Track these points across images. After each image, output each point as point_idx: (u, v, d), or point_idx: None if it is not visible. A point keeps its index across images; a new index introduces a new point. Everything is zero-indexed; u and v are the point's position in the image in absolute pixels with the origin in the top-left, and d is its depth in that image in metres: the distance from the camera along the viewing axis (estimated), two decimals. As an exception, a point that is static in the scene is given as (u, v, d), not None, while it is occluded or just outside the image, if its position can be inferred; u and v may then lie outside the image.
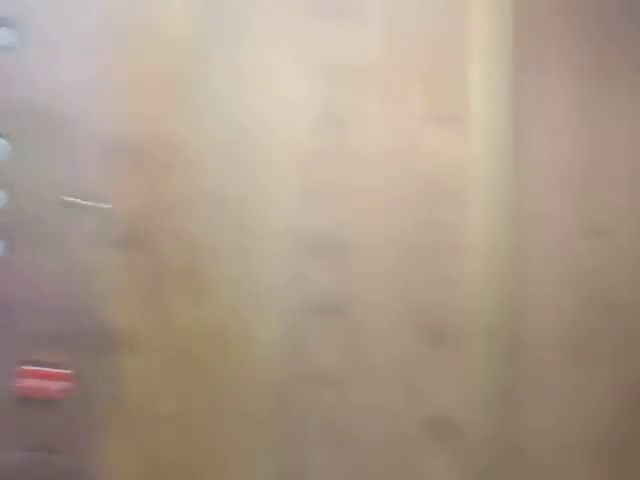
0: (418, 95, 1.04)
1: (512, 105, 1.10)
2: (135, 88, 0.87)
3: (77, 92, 0.87)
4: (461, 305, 1.04)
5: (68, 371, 0.84)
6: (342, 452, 0.96)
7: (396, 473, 1.00)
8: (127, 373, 0.83)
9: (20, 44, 0.86)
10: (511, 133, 1.09)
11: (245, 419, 0.90)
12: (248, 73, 0.93)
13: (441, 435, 1.00)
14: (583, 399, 1.10)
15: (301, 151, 0.96)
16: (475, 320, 1.04)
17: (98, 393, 0.84)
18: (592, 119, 1.19)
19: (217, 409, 0.90)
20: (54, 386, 0.83)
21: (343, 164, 0.98)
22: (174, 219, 0.87)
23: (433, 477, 1.00)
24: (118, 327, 0.84)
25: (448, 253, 1.03)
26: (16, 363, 0.83)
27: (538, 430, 1.06)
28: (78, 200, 0.85)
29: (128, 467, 0.85)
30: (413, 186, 1.03)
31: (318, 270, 0.95)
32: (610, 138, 1.16)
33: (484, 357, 1.05)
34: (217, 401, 0.89)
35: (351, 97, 0.99)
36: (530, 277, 1.08)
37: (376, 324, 0.98)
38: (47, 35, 0.87)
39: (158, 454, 0.86)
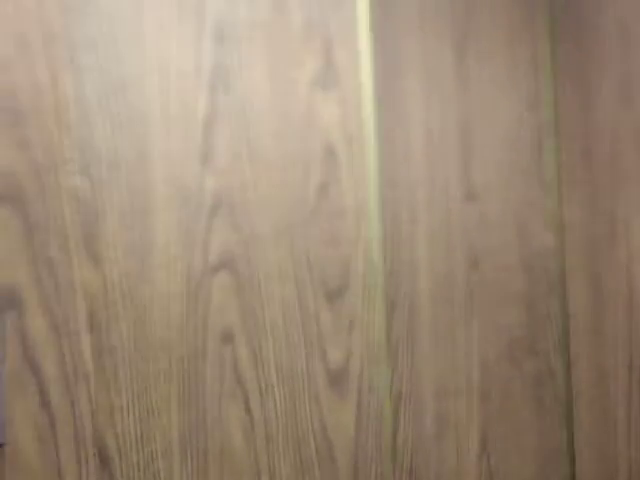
0: (305, 57, 1.04)
1: (383, 74, 1.15)
2: (4, 35, 0.84)
3: None
4: (350, 263, 1.08)
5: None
6: (247, 406, 0.97)
7: (296, 423, 1.04)
8: (16, 334, 0.82)
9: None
10: (383, 102, 1.13)
11: (147, 377, 0.89)
12: (129, 28, 0.90)
13: (336, 386, 1.05)
14: (464, 349, 1.21)
15: (190, 111, 0.94)
16: (364, 277, 1.09)
17: None
18: (464, 90, 1.28)
19: (124, 367, 0.89)
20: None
21: (233, 125, 0.97)
22: (57, 177, 0.85)
23: (332, 427, 1.05)
24: (4, 287, 0.81)
25: (336, 214, 1.06)
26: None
27: (424, 377, 1.15)
28: None
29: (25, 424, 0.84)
30: (301, 148, 1.03)
31: (212, 230, 0.95)
32: (483, 106, 1.25)
33: (374, 311, 1.10)
34: (124, 359, 0.88)
35: (238, 56, 0.98)
36: (413, 237, 1.16)
37: (270, 282, 1.00)
38: None
39: (54, 413, 0.85)
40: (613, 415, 1.27)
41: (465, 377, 1.21)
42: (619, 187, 1.26)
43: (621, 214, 1.25)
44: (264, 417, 0.99)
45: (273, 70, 1.03)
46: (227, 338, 0.97)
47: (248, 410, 0.98)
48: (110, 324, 0.88)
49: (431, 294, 1.18)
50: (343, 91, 1.09)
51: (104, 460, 0.87)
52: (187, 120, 0.95)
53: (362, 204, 1.11)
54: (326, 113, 1.08)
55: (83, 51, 0.88)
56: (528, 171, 1.32)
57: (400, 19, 1.17)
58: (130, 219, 0.90)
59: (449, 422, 1.19)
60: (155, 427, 0.90)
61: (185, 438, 0.93)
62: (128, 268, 0.90)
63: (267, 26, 1.03)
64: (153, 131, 0.93)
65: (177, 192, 0.94)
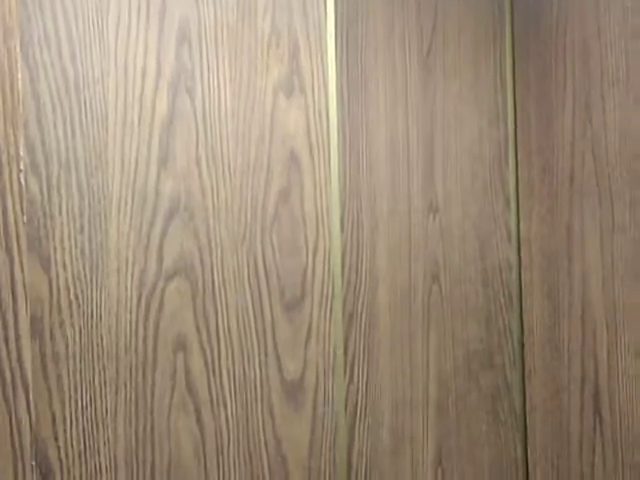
0: (270, 62, 1.04)
1: (348, 85, 1.17)
2: None
3: None
4: (309, 272, 1.07)
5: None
6: (199, 417, 0.95)
7: (249, 436, 1.03)
8: None
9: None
10: (347, 111, 1.15)
11: (93, 387, 0.87)
12: (89, 26, 0.88)
13: (291, 397, 1.03)
14: (421, 362, 1.21)
15: (149, 113, 0.92)
16: (322, 287, 1.08)
17: None
18: (429, 102, 1.32)
19: (70, 376, 0.86)
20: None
21: (192, 129, 0.96)
22: (4, 175, 0.82)
23: (286, 440, 1.04)
24: None
25: (296, 222, 1.06)
26: None
27: (380, 390, 1.15)
28: None
29: None
30: (263, 154, 1.03)
31: (168, 235, 0.93)
32: (447, 119, 1.27)
33: (331, 322, 1.10)
34: (69, 367, 0.86)
35: (201, 59, 0.97)
36: (373, 248, 1.16)
37: (227, 290, 0.98)
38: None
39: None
40: (567, 429, 1.28)
41: (421, 390, 1.21)
42: (577, 203, 1.27)
43: (577, 229, 1.27)
44: (215, 429, 0.97)
45: (237, 74, 1.01)
46: (179, 347, 0.94)
47: (199, 421, 0.95)
48: (55, 331, 0.84)
49: (390, 306, 1.17)
50: (308, 98, 1.08)
51: (44, 474, 0.83)
52: (146, 122, 0.93)
53: (323, 213, 1.09)
54: (290, 119, 1.06)
55: (39, 47, 0.85)
56: (490, 185, 1.33)
57: (367, 29, 1.17)
58: (82, 222, 0.87)
59: (405, 435, 1.18)
60: (100, 439, 0.87)
61: (132, 451, 0.89)
62: (77, 272, 0.86)
63: (233, 30, 1.01)
64: (110, 132, 0.90)
65: (133, 195, 0.91)
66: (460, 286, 1.27)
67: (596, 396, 1.23)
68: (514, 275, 1.35)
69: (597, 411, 1.23)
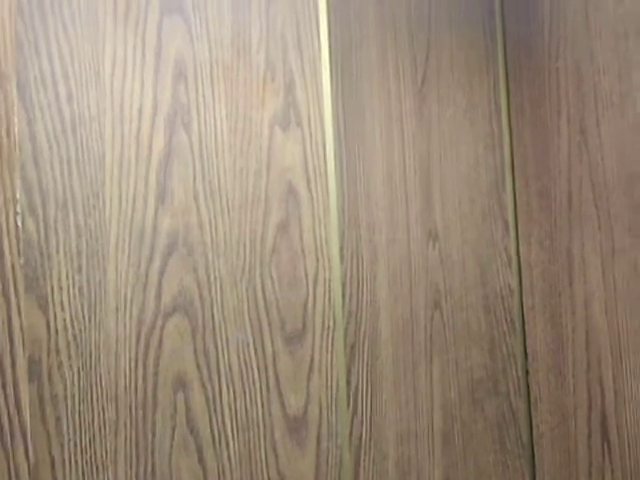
0: (266, 96, 1.04)
1: (342, 115, 1.18)
2: None
3: None
4: (309, 305, 1.06)
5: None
6: (201, 456, 0.93)
7: (252, 474, 0.98)
8: None
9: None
10: (342, 142, 1.15)
11: (92, 429, 0.85)
12: (84, 66, 0.89)
13: (295, 433, 1.01)
14: (424, 391, 1.20)
15: (146, 150, 0.93)
16: (323, 319, 1.08)
17: None
18: (424, 130, 1.33)
19: (68, 418, 0.85)
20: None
21: (190, 165, 0.96)
22: (3, 216, 0.82)
23: (290, 477, 1.00)
24: None
25: (295, 255, 1.05)
26: None
27: (384, 421, 1.13)
28: None
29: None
30: (260, 187, 1.03)
31: (167, 272, 0.92)
32: (443, 146, 1.27)
33: (333, 354, 1.09)
34: (68, 409, 0.84)
35: (197, 96, 0.98)
36: (373, 277, 1.15)
37: (227, 325, 0.97)
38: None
39: None
40: (575, 456, 1.26)
41: (426, 420, 1.19)
42: (575, 227, 1.27)
43: (577, 253, 1.26)
44: (218, 468, 0.95)
45: (233, 109, 1.02)
46: (180, 385, 0.93)
47: (201, 461, 0.93)
48: (53, 372, 0.83)
49: (392, 335, 1.16)
50: (304, 131, 1.08)
51: (44, 520, 0.81)
52: (143, 159, 0.93)
53: (322, 244, 1.09)
54: (287, 152, 1.06)
55: (35, 89, 0.85)
56: (488, 210, 1.33)
57: (361, 60, 1.18)
58: (80, 261, 0.87)
59: (411, 467, 1.16)
60: (100, 483, 0.85)
61: (132, 494, 0.87)
62: (76, 312, 0.86)
63: (228, 66, 1.02)
64: (107, 171, 0.90)
65: (131, 233, 0.91)
66: (462, 313, 1.26)
67: (603, 422, 1.21)
68: (516, 300, 1.34)
69: (605, 437, 1.21)
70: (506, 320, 1.33)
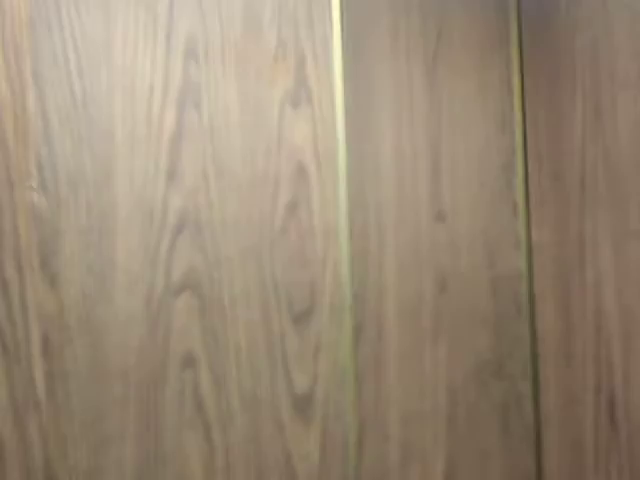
0: (277, 75, 1.03)
1: (355, 93, 1.16)
2: None
3: None
4: (317, 285, 1.06)
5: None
6: (207, 434, 0.94)
7: (259, 452, 1.01)
8: None
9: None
10: (356, 121, 1.13)
11: (101, 405, 0.86)
12: (96, 43, 0.88)
13: (301, 412, 1.02)
14: (430, 373, 1.19)
15: (157, 129, 0.92)
16: (331, 299, 1.07)
17: None
18: (435, 110, 1.30)
19: (78, 394, 0.85)
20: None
21: (200, 144, 0.95)
22: (14, 193, 0.81)
23: (296, 455, 1.03)
24: None
25: (304, 235, 1.05)
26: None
27: (390, 402, 1.13)
28: None
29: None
30: (270, 167, 1.02)
31: (176, 250, 0.92)
32: (453, 126, 1.25)
33: (341, 334, 1.09)
34: (78, 386, 0.85)
35: (208, 74, 0.97)
36: (381, 258, 1.14)
37: (235, 304, 0.97)
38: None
39: (2, 442, 0.81)
40: (582, 439, 1.26)
41: (431, 401, 1.20)
42: (588, 210, 1.26)
43: (590, 236, 1.26)
44: (225, 446, 0.96)
45: (244, 88, 1.01)
46: (188, 363, 0.94)
47: (208, 439, 0.95)
48: (64, 348, 0.84)
49: (398, 316, 1.16)
50: (315, 110, 1.08)
51: (54, 492, 0.82)
52: (153, 138, 0.93)
53: (331, 224, 1.09)
54: (297, 132, 1.06)
55: (47, 65, 0.85)
56: (498, 192, 1.32)
57: (372, 39, 1.16)
58: (90, 238, 0.87)
59: (415, 448, 1.17)
60: (109, 458, 0.86)
61: (141, 469, 0.89)
62: (86, 289, 0.86)
63: (239, 44, 1.01)
64: (117, 148, 0.90)
65: (140, 211, 0.91)
66: (469, 295, 1.26)
67: (611, 405, 1.22)
68: (524, 283, 1.34)
69: (613, 420, 1.22)
70: (514, 303, 1.33)
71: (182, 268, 0.94)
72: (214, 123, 0.98)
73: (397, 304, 1.16)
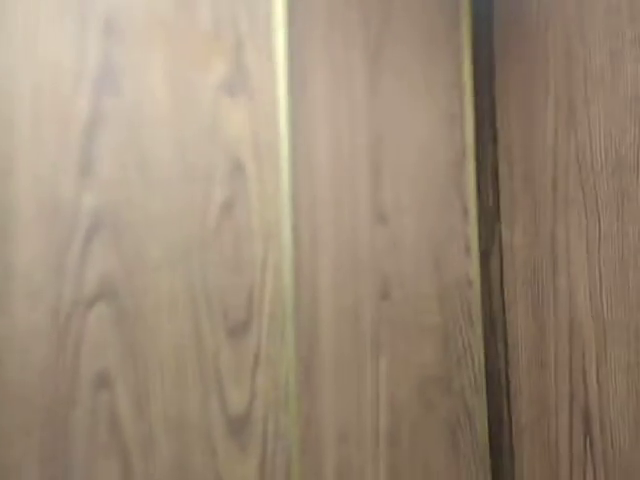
0: (211, 58, 0.94)
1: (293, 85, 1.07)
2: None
3: None
4: (256, 293, 0.97)
5: None
6: (126, 461, 0.84)
7: (191, 479, 0.90)
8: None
9: None
10: (295, 115, 1.04)
11: (7, 429, 0.75)
12: (10, 26, 0.77)
13: (237, 435, 0.92)
14: (370, 389, 1.10)
15: (66, 116, 0.80)
16: (271, 308, 0.98)
17: None
18: (377, 103, 1.20)
19: None
20: None
21: (119, 133, 0.84)
22: None
23: (231, 477, 0.93)
24: None
25: (241, 237, 0.95)
26: None
27: (325, 420, 1.04)
28: None
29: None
30: (203, 161, 0.92)
31: (89, 255, 0.81)
32: (397, 121, 1.16)
33: (281, 346, 1.00)
34: None
35: (131, 55, 0.86)
36: (317, 263, 1.06)
37: (160, 315, 0.87)
38: None
39: None
40: (555, 450, 1.21)
41: (371, 421, 1.12)
42: (561, 212, 1.21)
43: (562, 240, 1.21)
44: (146, 475, 0.85)
45: (173, 72, 0.90)
46: (103, 383, 0.82)
47: (127, 467, 0.83)
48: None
49: (335, 326, 1.08)
50: (254, 98, 0.98)
51: None
52: (63, 125, 0.81)
53: (272, 225, 0.99)
54: (234, 122, 0.96)
55: None
56: (446, 193, 1.25)
57: (312, 20, 1.07)
58: (-14, 239, 0.74)
59: (352, 471, 1.09)
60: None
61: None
62: (-20, 299, 0.74)
63: (168, 22, 0.90)
64: (19, 136, 0.77)
65: (46, 209, 0.79)
66: (413, 303, 1.18)
67: (586, 415, 1.17)
68: (474, 291, 1.28)
69: (587, 431, 1.17)
70: (463, 312, 1.26)
71: (96, 275, 0.82)
72: (137, 110, 0.86)
73: (334, 314, 1.07)
